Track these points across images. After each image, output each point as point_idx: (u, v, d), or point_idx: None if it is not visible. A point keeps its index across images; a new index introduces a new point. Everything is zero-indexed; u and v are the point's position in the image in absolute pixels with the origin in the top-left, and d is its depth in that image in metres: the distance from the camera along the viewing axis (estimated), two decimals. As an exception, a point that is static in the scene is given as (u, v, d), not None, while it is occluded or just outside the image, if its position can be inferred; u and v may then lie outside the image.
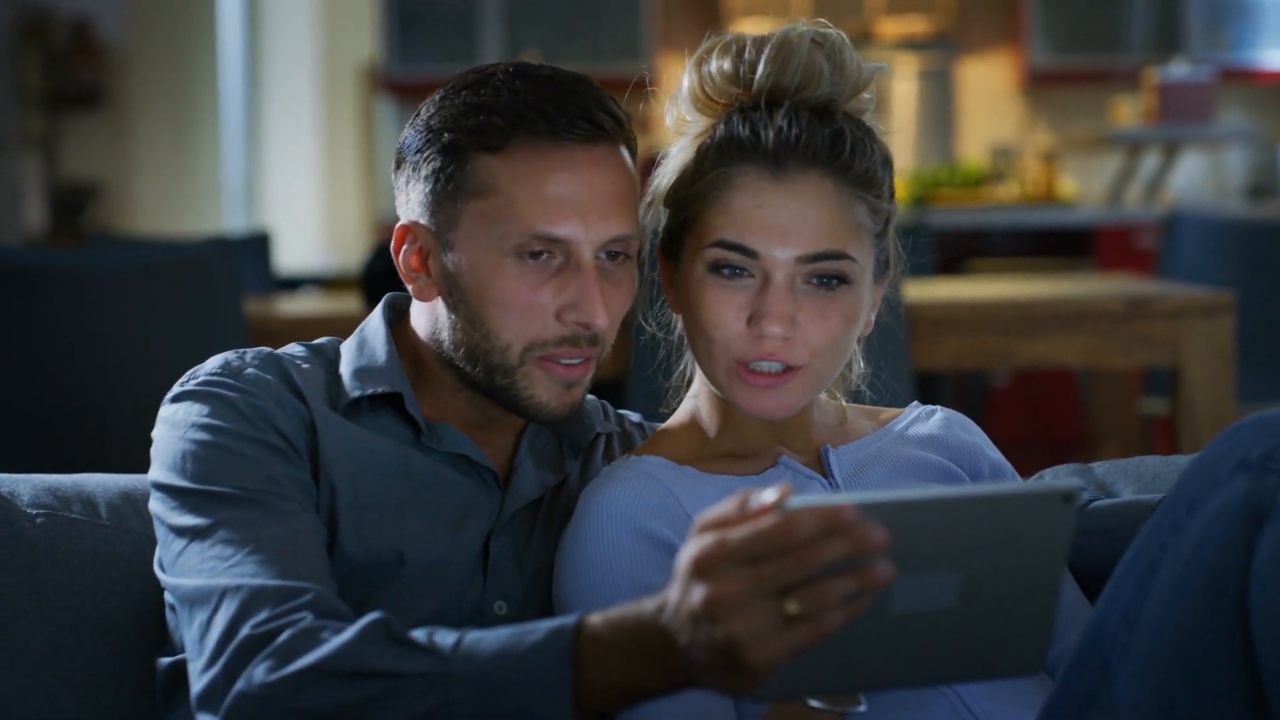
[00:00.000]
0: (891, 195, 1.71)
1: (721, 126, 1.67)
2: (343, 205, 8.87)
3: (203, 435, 1.58)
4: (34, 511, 1.76)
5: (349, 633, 1.40)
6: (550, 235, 1.60)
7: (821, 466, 1.75)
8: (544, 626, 1.35)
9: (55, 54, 8.33)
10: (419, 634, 1.40)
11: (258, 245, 5.30)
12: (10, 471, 1.84)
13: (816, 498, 1.19)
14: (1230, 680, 1.47)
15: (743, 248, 1.63)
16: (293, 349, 1.72)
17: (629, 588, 1.59)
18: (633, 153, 1.67)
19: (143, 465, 1.65)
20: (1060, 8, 8.15)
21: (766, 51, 1.66)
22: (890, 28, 8.31)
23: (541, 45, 7.98)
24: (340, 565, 1.59)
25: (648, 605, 1.28)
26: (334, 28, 8.89)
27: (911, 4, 8.21)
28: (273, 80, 8.95)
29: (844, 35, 1.70)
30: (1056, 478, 2.00)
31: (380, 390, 1.67)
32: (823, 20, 1.70)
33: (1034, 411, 6.87)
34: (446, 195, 1.63)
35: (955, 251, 6.72)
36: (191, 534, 1.54)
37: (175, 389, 1.64)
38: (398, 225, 1.68)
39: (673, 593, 1.25)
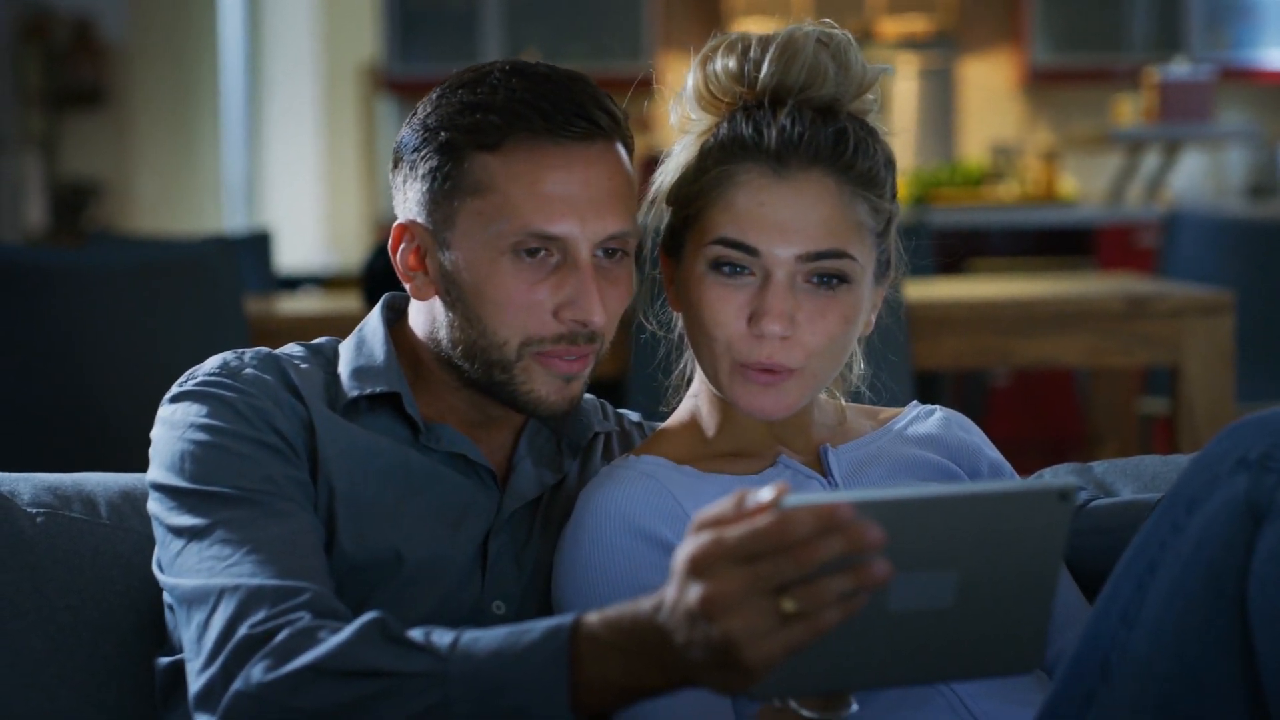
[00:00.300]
0: (893, 195, 1.71)
1: (725, 125, 1.68)
2: (343, 204, 8.88)
3: (201, 435, 1.59)
4: (34, 510, 1.76)
5: (346, 632, 1.40)
6: (547, 233, 1.60)
7: (821, 466, 1.75)
8: (541, 626, 1.35)
9: (56, 53, 8.33)
10: (416, 633, 1.40)
11: (258, 244, 5.30)
12: (10, 470, 1.84)
13: (813, 496, 1.19)
14: (1229, 679, 1.47)
15: (744, 245, 1.63)
16: (291, 349, 1.72)
17: (628, 588, 1.59)
18: (630, 150, 1.68)
19: (143, 464, 1.66)
20: (1061, 7, 8.15)
21: (771, 50, 1.66)
22: (891, 27, 8.31)
23: (542, 44, 7.98)
24: (338, 565, 1.59)
25: (645, 604, 1.29)
26: (335, 27, 8.89)
27: (912, 3, 8.21)
28: (273, 79, 8.95)
29: (850, 36, 1.70)
30: (1055, 476, 2.00)
31: (378, 390, 1.67)
32: (828, 20, 1.70)
33: (1034, 411, 6.87)
34: (443, 194, 1.63)
35: (955, 251, 6.71)
36: (190, 534, 1.54)
37: (174, 389, 1.64)
38: (395, 224, 1.69)
39: (669, 591, 1.25)
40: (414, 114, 1.67)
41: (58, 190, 8.40)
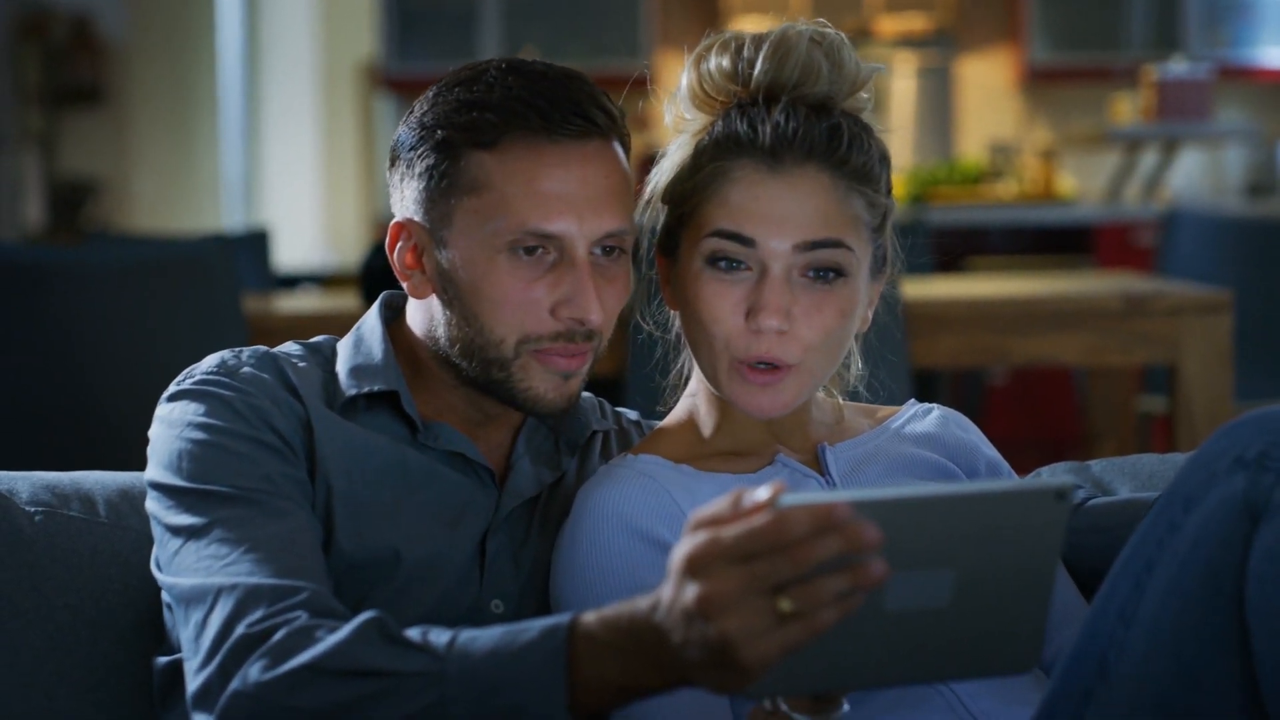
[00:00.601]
0: (889, 191, 1.71)
1: (720, 123, 1.68)
2: (342, 203, 8.87)
3: (199, 434, 1.59)
4: (32, 509, 1.76)
5: (344, 631, 1.40)
6: (544, 231, 1.60)
7: (819, 464, 1.75)
8: (538, 625, 1.35)
9: (55, 51, 8.33)
10: (413, 633, 1.40)
11: (256, 242, 5.30)
12: (9, 469, 1.84)
13: (810, 495, 1.19)
14: (1227, 677, 1.47)
15: (740, 236, 1.63)
16: (289, 347, 1.72)
17: (625, 587, 1.59)
18: (627, 148, 1.68)
19: (141, 463, 1.66)
20: (1059, 5, 8.15)
21: (765, 49, 1.67)
22: (889, 25, 8.31)
23: (540, 42, 7.98)
24: (336, 563, 1.59)
25: (641, 603, 1.29)
26: (333, 25, 8.89)
27: (910, 1, 8.21)
28: (272, 78, 8.95)
29: (843, 35, 1.71)
30: (1053, 475, 2.00)
31: (376, 388, 1.67)
32: (822, 20, 1.71)
33: (1032, 410, 6.87)
34: (440, 192, 1.63)
35: (954, 249, 6.71)
36: (187, 533, 1.54)
37: (171, 388, 1.64)
38: (392, 222, 1.69)
39: (666, 591, 1.25)
40: (411, 112, 1.67)
41: (56, 188, 8.40)
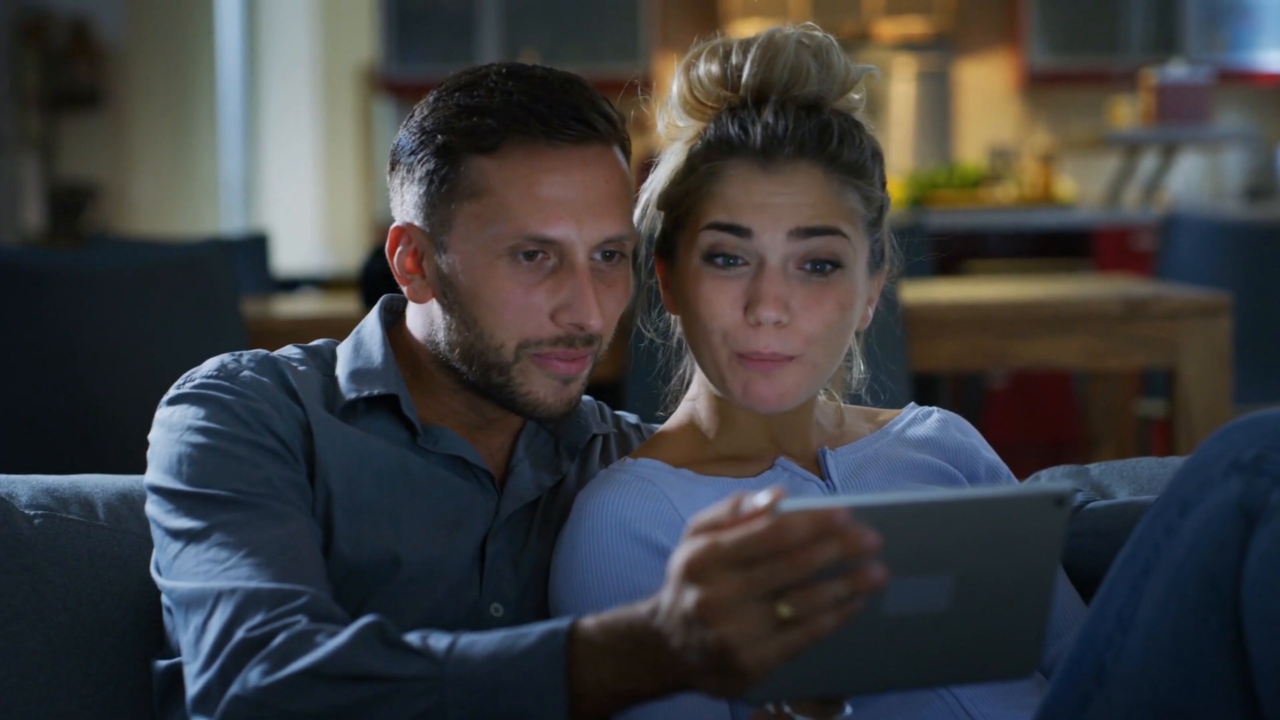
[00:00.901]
0: (883, 185, 1.72)
1: (711, 127, 1.69)
2: (341, 206, 8.88)
3: (198, 438, 1.59)
4: (32, 512, 1.76)
5: (343, 636, 1.40)
6: (543, 236, 1.60)
7: (819, 469, 1.75)
8: (538, 630, 1.36)
9: (54, 54, 8.33)
10: (413, 637, 1.40)
11: (256, 246, 5.30)
12: (8, 472, 1.84)
13: (809, 501, 1.19)
14: (1224, 681, 1.47)
15: (735, 227, 1.64)
16: (289, 351, 1.72)
17: (623, 591, 1.59)
18: (627, 153, 1.68)
19: (140, 466, 1.66)
20: (1058, 9, 8.16)
21: (753, 52, 1.68)
22: (888, 29, 8.31)
23: (540, 46, 7.98)
24: (336, 567, 1.59)
25: (641, 608, 1.29)
26: (332, 28, 8.89)
27: (910, 5, 8.21)
28: (271, 81, 8.95)
29: (831, 37, 1.71)
30: (1052, 479, 2.00)
31: (376, 392, 1.67)
32: (810, 23, 1.71)
33: (1031, 413, 6.87)
34: (440, 197, 1.63)
35: (953, 253, 6.72)
36: (187, 537, 1.54)
37: (171, 392, 1.64)
38: (392, 227, 1.69)
39: (665, 596, 1.25)
40: (411, 116, 1.67)
41: (55, 192, 8.40)
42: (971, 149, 8.41)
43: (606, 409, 1.88)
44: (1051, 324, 3.95)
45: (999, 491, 1.24)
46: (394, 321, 1.75)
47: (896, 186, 1.83)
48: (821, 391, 1.79)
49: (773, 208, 1.63)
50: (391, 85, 8.20)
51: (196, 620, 1.48)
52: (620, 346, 3.69)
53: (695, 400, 1.78)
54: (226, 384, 1.63)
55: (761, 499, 1.20)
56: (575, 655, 1.33)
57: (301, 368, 1.69)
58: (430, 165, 1.63)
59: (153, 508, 1.60)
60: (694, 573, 1.21)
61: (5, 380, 3.42)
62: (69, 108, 8.46)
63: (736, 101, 1.68)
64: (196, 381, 1.64)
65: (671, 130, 1.74)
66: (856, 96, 1.72)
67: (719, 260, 1.65)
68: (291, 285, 5.96)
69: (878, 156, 1.71)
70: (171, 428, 1.61)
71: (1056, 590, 1.69)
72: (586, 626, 1.33)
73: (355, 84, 8.80)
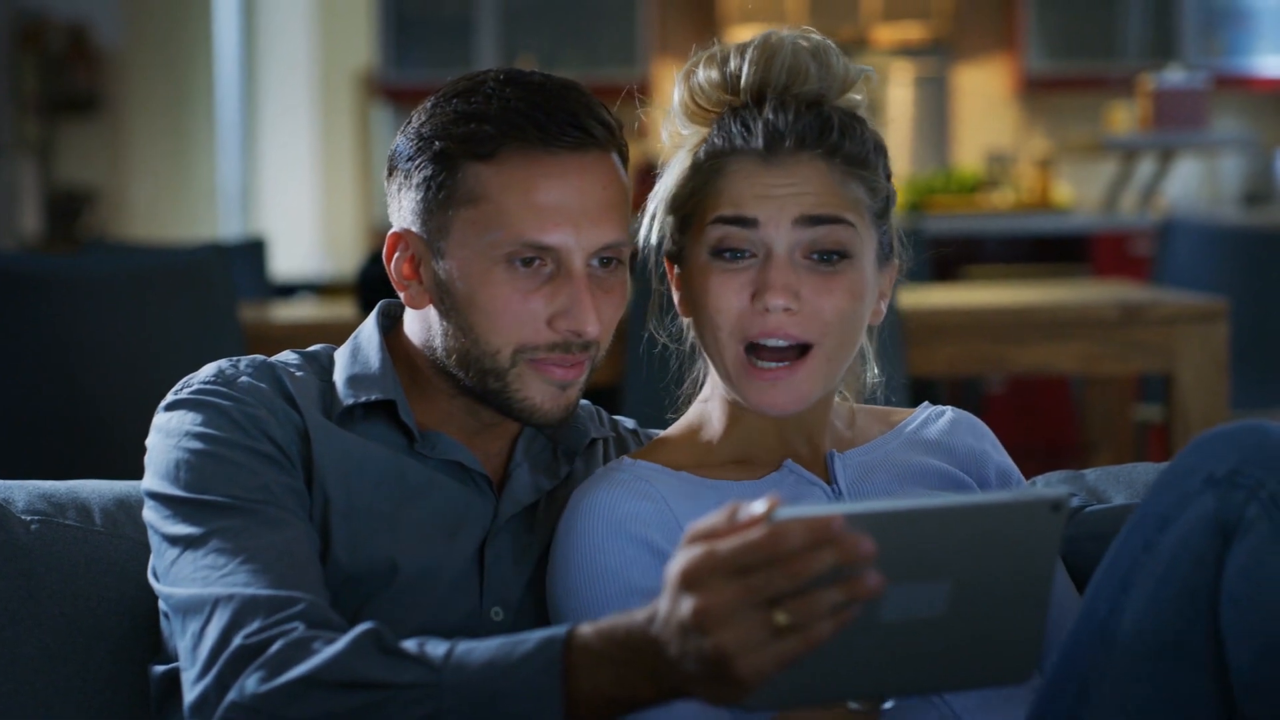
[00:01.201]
0: (888, 178, 1.72)
1: (714, 128, 1.69)
2: (339, 211, 8.87)
3: (196, 444, 1.59)
4: (29, 518, 1.76)
5: (340, 643, 1.40)
6: (540, 243, 1.60)
7: (826, 471, 1.75)
8: (535, 636, 1.36)
9: (52, 59, 8.33)
10: (410, 644, 1.40)
11: (253, 251, 5.30)
12: (5, 477, 1.84)
13: (805, 509, 1.19)
14: (1205, 697, 1.48)
15: (741, 219, 1.64)
16: (286, 356, 1.72)
17: (616, 588, 1.60)
18: (624, 159, 1.68)
19: (138, 471, 1.66)
20: (1056, 14, 8.16)
21: (750, 54, 1.69)
22: (886, 34, 8.31)
23: (538, 52, 7.98)
24: (333, 574, 1.59)
25: (638, 615, 1.29)
26: (330, 33, 8.89)
27: (907, 10, 8.21)
28: (269, 86, 8.95)
29: (827, 39, 1.72)
30: (1048, 485, 2.00)
31: (373, 398, 1.67)
32: (807, 27, 1.72)
33: (1029, 418, 6.87)
34: (438, 203, 1.63)
35: (950, 258, 6.72)
36: (185, 543, 1.54)
37: (169, 397, 1.64)
38: (390, 232, 1.69)
39: (662, 603, 1.25)
40: (408, 123, 1.67)
41: (53, 197, 8.40)
42: (969, 154, 8.41)
43: (604, 413, 1.88)
44: (1049, 329, 3.95)
45: (995, 498, 1.25)
46: (391, 327, 1.75)
47: (897, 190, 1.84)
48: (835, 386, 1.79)
49: (777, 198, 1.64)
50: (389, 90, 8.20)
51: (194, 626, 1.48)
52: (618, 351, 3.69)
53: (707, 401, 1.78)
54: (224, 390, 1.63)
55: (758, 507, 1.21)
56: (572, 662, 1.33)
57: (299, 373, 1.69)
58: (428, 171, 1.63)
59: (150, 513, 1.60)
60: (690, 581, 1.21)
61: (3, 385, 3.42)
62: (67, 112, 8.47)
63: (738, 103, 1.69)
64: (194, 387, 1.64)
65: (675, 138, 1.74)
66: (857, 97, 1.73)
67: (726, 254, 1.66)
68: (289, 290, 5.96)
69: (881, 150, 1.72)
70: (169, 434, 1.61)
71: (1060, 595, 1.69)
72: (584, 633, 1.34)
73: (353, 89, 8.80)
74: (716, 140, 1.68)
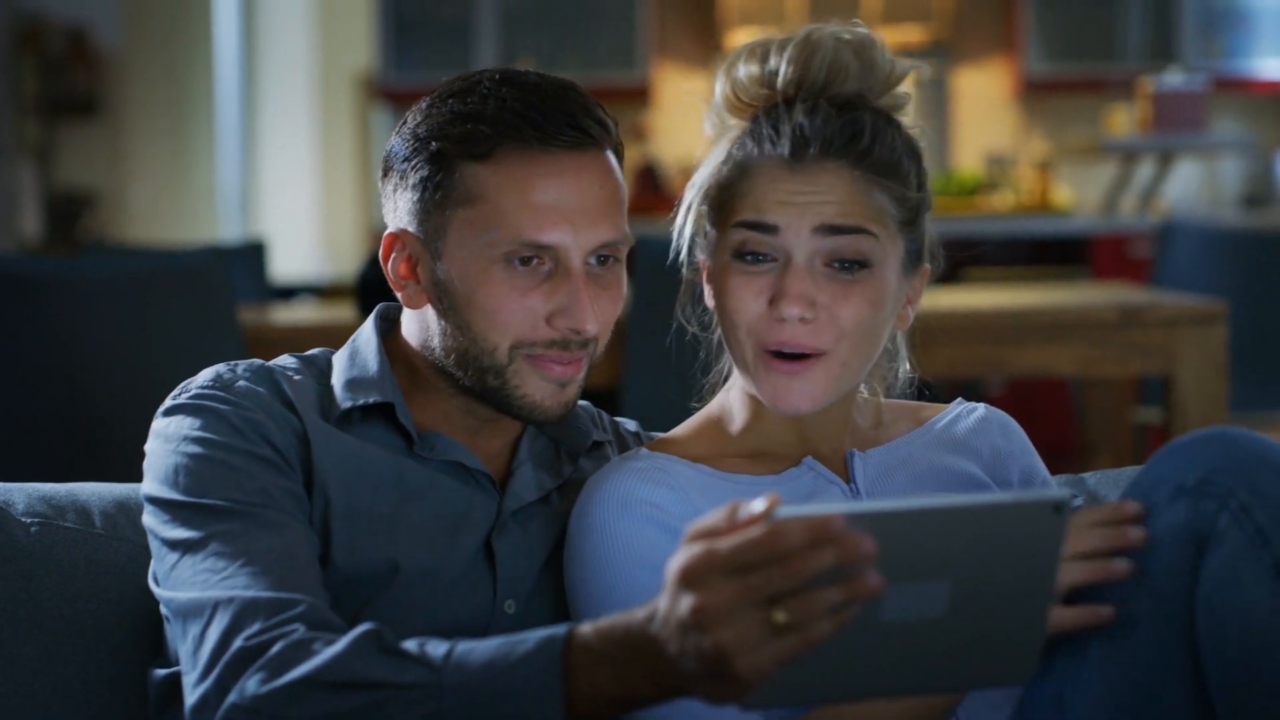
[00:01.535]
0: (920, 185, 1.72)
1: (749, 127, 1.70)
2: (338, 213, 8.87)
3: (195, 448, 1.59)
4: (28, 520, 1.77)
5: (340, 644, 1.40)
6: (539, 242, 1.61)
7: (846, 470, 1.75)
8: (534, 636, 1.36)
9: (51, 61, 8.32)
10: (410, 644, 1.40)
11: (253, 253, 5.30)
12: (5, 480, 1.85)
13: (805, 507, 1.19)
14: (1186, 704, 1.48)
15: (762, 224, 1.65)
16: (284, 360, 1.72)
17: (638, 572, 1.59)
18: (620, 158, 1.69)
19: (137, 474, 1.66)
20: (1055, 17, 8.16)
21: (789, 51, 1.68)
22: (886, 36, 8.24)
23: (537, 54, 7.98)
24: (334, 575, 1.60)
25: (638, 613, 1.29)
26: (330, 36, 8.89)
27: (907, 13, 8.22)
28: (268, 88, 8.95)
29: (872, 34, 1.71)
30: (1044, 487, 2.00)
31: (372, 400, 1.67)
32: (856, 20, 1.72)
33: (1028, 420, 6.81)
34: (435, 204, 1.64)
35: (950, 260, 6.71)
36: (184, 547, 1.54)
37: (167, 402, 1.65)
38: (386, 233, 1.69)
39: (662, 602, 1.25)
40: (404, 123, 1.68)
41: (52, 199, 8.40)
42: (968, 156, 8.42)
43: (605, 416, 1.89)
44: (1048, 331, 3.95)
45: (997, 499, 1.24)
46: (389, 329, 1.75)
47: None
48: (864, 387, 1.79)
49: (799, 205, 1.64)
50: (389, 92, 8.19)
51: (194, 630, 1.49)
52: (617, 353, 3.69)
53: (730, 390, 1.78)
54: (222, 394, 1.63)
55: (758, 505, 1.21)
56: (572, 661, 1.33)
57: (297, 377, 1.69)
58: (424, 172, 1.64)
59: (149, 518, 1.60)
60: (689, 579, 1.21)
61: (2, 387, 3.42)
62: (66, 115, 8.46)
63: (775, 99, 1.69)
64: (192, 392, 1.64)
65: (717, 129, 1.74)
66: (903, 92, 1.72)
67: (747, 257, 1.66)
68: (289, 293, 5.96)
69: (914, 155, 1.71)
70: (168, 439, 1.61)
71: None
72: (584, 632, 1.34)
73: (352, 91, 8.80)
74: (747, 141, 1.68)
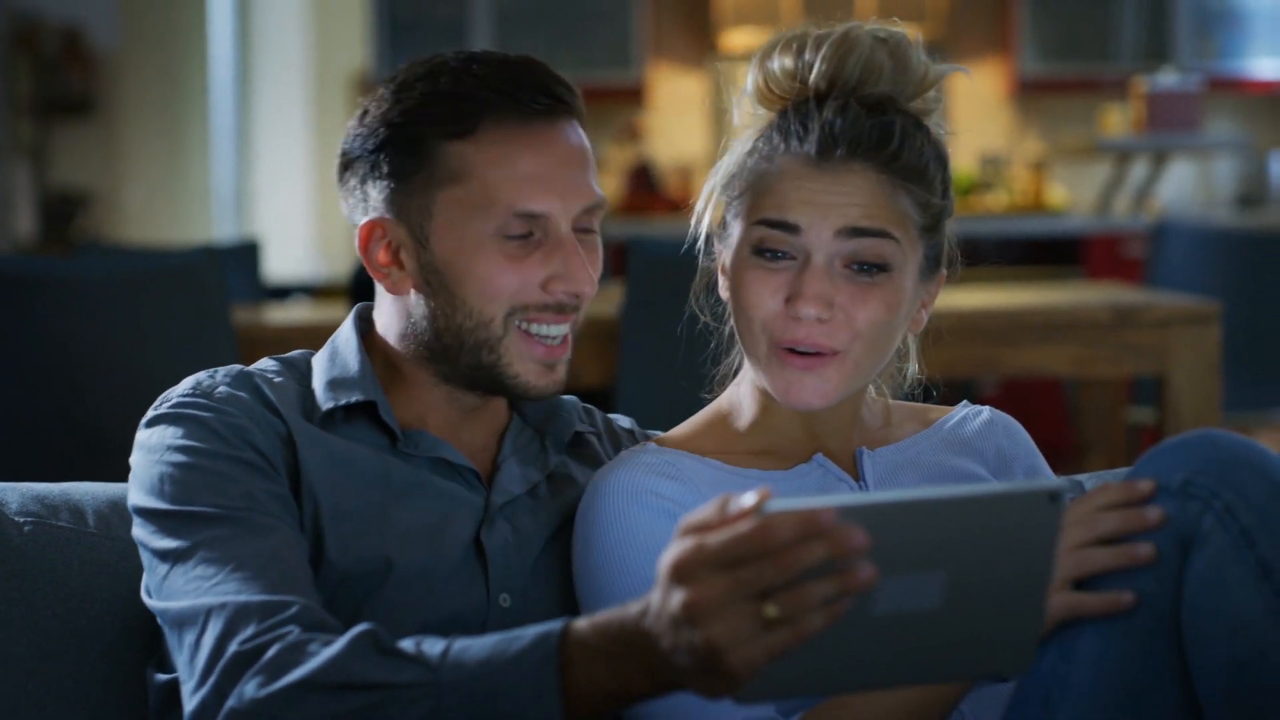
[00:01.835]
0: (945, 192, 1.71)
1: (776, 119, 1.70)
2: (333, 214, 8.86)
3: (179, 457, 1.59)
4: (22, 519, 1.76)
5: (337, 645, 1.40)
6: (531, 211, 1.63)
7: (855, 468, 1.75)
8: (530, 633, 1.36)
9: (46, 62, 8.31)
10: (407, 644, 1.41)
11: (247, 253, 5.30)
12: (-2, 479, 1.85)
13: (796, 501, 1.19)
14: (1173, 706, 1.48)
15: (784, 224, 1.65)
16: (264, 364, 1.73)
17: (648, 562, 1.59)
18: (583, 123, 1.71)
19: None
20: (1050, 16, 8.16)
21: (825, 48, 1.68)
22: (880, 37, 8.30)
23: (532, 53, 7.96)
24: (329, 575, 1.60)
25: (632, 608, 1.29)
26: (324, 35, 8.89)
27: (902, 12, 8.19)
28: (263, 88, 8.95)
29: (908, 35, 1.71)
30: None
31: (354, 400, 1.68)
32: (895, 18, 1.72)
33: (1022, 420, 6.82)
34: (416, 187, 1.65)
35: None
36: (174, 556, 1.55)
37: (149, 414, 1.65)
38: (361, 224, 1.69)
39: (654, 596, 1.26)
40: (363, 115, 1.69)
41: (47, 199, 8.39)
42: (962, 156, 8.41)
43: (598, 413, 1.89)
44: (1042, 332, 3.95)
45: (991, 489, 1.24)
46: (368, 329, 1.76)
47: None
48: (871, 387, 1.79)
49: (822, 206, 1.64)
50: (383, 93, 8.18)
51: (190, 638, 1.49)
52: (611, 353, 3.69)
53: (740, 384, 1.78)
54: (203, 401, 1.63)
55: (748, 499, 1.21)
56: (569, 657, 1.34)
57: (278, 379, 1.69)
58: (401, 157, 1.65)
59: (138, 530, 1.60)
60: (680, 574, 1.22)
61: (-4, 387, 3.42)
62: (61, 115, 8.46)
63: (806, 94, 1.69)
64: (173, 401, 1.64)
65: (745, 118, 1.75)
66: (933, 95, 1.72)
67: (766, 254, 1.66)
68: (283, 293, 5.95)
69: (941, 162, 1.71)
70: (151, 449, 1.62)
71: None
72: (579, 628, 1.34)
73: (347, 91, 8.79)
74: (774, 135, 1.69)
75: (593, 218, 1.69)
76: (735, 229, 1.70)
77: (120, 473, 1.85)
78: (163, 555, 1.56)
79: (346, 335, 1.74)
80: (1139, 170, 7.73)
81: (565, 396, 1.82)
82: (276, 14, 8.92)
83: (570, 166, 1.66)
